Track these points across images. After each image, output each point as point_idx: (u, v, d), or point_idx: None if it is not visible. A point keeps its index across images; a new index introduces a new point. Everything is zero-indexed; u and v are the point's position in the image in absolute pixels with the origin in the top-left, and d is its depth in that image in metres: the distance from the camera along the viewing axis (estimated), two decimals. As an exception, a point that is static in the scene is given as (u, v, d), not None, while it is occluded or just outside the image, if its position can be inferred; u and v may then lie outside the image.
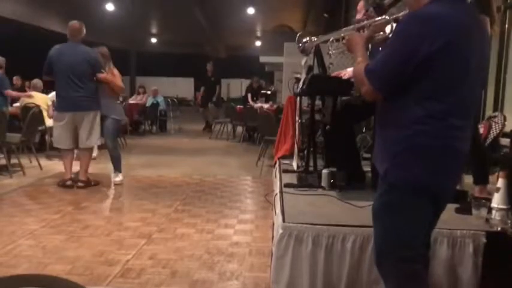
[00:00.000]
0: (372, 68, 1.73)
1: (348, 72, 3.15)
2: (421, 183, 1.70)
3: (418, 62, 1.61)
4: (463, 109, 1.70)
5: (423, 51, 1.59)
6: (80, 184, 5.50)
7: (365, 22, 2.17)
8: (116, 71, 5.69)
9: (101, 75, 5.44)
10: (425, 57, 1.60)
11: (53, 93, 7.75)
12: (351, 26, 2.36)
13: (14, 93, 7.38)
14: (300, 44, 3.10)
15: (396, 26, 1.77)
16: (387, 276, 1.81)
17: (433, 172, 1.70)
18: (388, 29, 2.23)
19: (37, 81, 7.87)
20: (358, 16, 3.13)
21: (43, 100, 7.54)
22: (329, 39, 2.71)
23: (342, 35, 2.56)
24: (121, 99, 10.10)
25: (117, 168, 5.82)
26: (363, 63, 1.80)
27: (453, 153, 1.71)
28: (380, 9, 2.19)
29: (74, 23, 5.60)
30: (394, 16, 2.21)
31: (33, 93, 7.70)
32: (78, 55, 5.41)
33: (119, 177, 5.81)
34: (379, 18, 2.22)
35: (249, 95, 12.35)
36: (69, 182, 5.51)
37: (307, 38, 3.01)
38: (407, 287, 1.75)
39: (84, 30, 5.57)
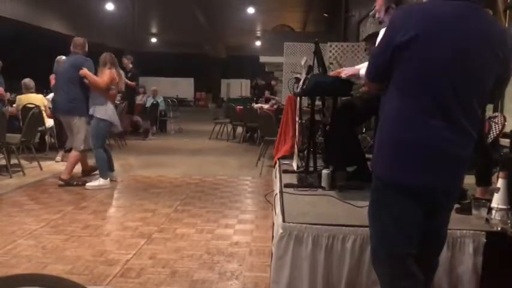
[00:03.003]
0: (368, 64, 1.90)
1: (346, 71, 3.14)
2: (400, 179, 1.71)
3: (392, 51, 1.68)
4: (442, 109, 1.65)
5: (396, 40, 1.65)
6: (59, 182, 5.61)
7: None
8: (107, 74, 5.55)
9: (81, 71, 5.50)
10: (397, 47, 1.65)
11: (51, 95, 7.77)
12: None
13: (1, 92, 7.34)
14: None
15: (386, 26, 1.89)
16: (379, 274, 1.82)
17: (413, 168, 1.68)
18: None
19: (29, 81, 7.66)
20: (378, 15, 3.09)
21: (39, 100, 7.51)
22: None
23: None
24: (119, 99, 10.12)
25: (100, 172, 5.64)
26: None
27: (438, 152, 1.67)
28: None
29: (77, 38, 5.92)
30: None
31: (31, 95, 7.59)
32: (68, 62, 5.81)
33: (93, 182, 5.57)
34: None
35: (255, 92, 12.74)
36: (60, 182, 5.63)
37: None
38: (400, 286, 1.75)
39: (86, 45, 5.82)
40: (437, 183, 1.73)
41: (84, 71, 5.49)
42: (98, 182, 5.58)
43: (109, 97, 5.61)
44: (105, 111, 5.53)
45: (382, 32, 2.19)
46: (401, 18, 1.71)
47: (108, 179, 5.68)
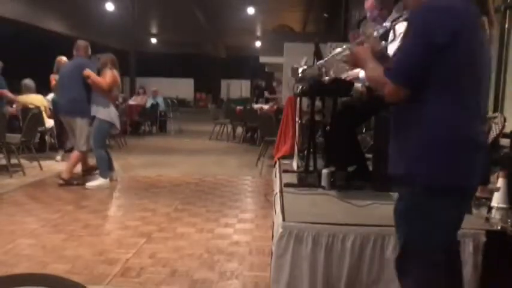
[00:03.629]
0: (394, 67, 1.71)
1: (351, 74, 3.14)
2: (451, 180, 1.67)
3: (435, 53, 1.62)
4: (479, 108, 1.70)
5: (436, 41, 1.62)
6: (59, 181, 5.62)
7: (361, 38, 2.12)
8: (109, 75, 5.56)
9: (85, 71, 5.52)
10: (437, 48, 1.62)
11: (51, 95, 7.78)
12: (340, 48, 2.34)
13: (9, 94, 7.34)
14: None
15: (411, 20, 1.73)
16: (409, 277, 1.77)
17: (461, 168, 1.67)
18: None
19: (29, 82, 7.69)
20: (369, 14, 3.12)
21: (39, 101, 7.52)
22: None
23: (339, 57, 2.41)
24: (120, 100, 10.10)
25: (101, 172, 5.65)
26: (378, 68, 1.77)
27: (477, 147, 1.69)
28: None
29: (80, 41, 5.94)
30: (390, 22, 2.24)
31: (30, 96, 7.61)
32: (71, 64, 5.85)
33: (94, 182, 5.58)
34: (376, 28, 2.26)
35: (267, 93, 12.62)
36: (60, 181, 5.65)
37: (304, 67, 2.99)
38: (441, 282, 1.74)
39: (89, 48, 5.86)
40: (477, 179, 1.77)
41: (88, 72, 5.51)
42: (98, 181, 5.58)
43: (111, 98, 5.63)
44: (107, 112, 5.55)
45: (379, 30, 2.17)
46: (438, 18, 1.65)
47: (108, 179, 5.68)
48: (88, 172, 6.03)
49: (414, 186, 1.69)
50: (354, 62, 2.00)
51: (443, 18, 1.64)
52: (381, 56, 1.91)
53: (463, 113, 1.66)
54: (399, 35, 2.38)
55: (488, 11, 1.74)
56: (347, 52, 2.18)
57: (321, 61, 2.62)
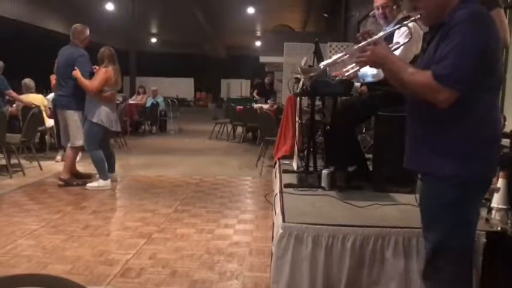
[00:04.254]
0: (448, 73, 1.66)
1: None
2: (487, 176, 1.80)
3: (487, 58, 1.69)
4: (499, 101, 1.87)
5: (492, 48, 1.70)
6: (59, 182, 5.58)
7: (376, 37, 1.91)
8: (100, 75, 5.39)
9: (74, 72, 5.43)
10: (492, 53, 1.70)
11: (51, 95, 7.78)
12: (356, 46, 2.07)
13: (14, 94, 7.35)
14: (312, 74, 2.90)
15: (459, 26, 1.68)
16: (438, 277, 1.82)
17: (494, 163, 1.82)
18: (400, 38, 2.24)
19: (29, 81, 7.70)
20: (377, 12, 3.06)
21: (39, 101, 7.53)
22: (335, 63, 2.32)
23: (347, 56, 2.13)
24: (120, 99, 10.08)
25: (99, 174, 5.57)
26: (419, 71, 1.75)
27: (500, 143, 1.85)
28: None
29: (76, 25, 5.74)
30: (408, 21, 2.05)
31: (30, 95, 7.62)
32: (64, 56, 5.63)
33: (94, 183, 5.52)
34: (393, 28, 2.24)
35: (255, 92, 12.14)
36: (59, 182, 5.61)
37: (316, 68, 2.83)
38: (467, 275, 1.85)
39: (86, 34, 5.67)
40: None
41: (76, 73, 5.39)
42: (97, 183, 5.54)
43: (102, 99, 5.40)
44: (97, 114, 5.37)
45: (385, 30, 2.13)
46: (487, 26, 1.71)
47: (109, 180, 5.60)
48: (77, 177, 5.77)
49: (452, 182, 1.74)
50: (374, 63, 1.88)
51: (493, 28, 1.73)
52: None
53: (497, 111, 1.81)
54: (419, 37, 2.38)
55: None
56: (353, 50, 1.99)
57: (327, 62, 2.39)
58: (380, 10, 3.04)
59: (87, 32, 5.71)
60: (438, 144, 1.78)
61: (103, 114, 5.41)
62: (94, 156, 5.52)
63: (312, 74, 2.75)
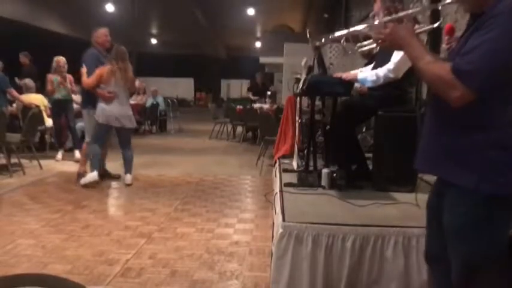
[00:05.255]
0: (469, 69, 1.47)
1: (350, 75, 3.13)
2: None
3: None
4: None
5: None
6: (79, 180, 5.69)
7: (400, 14, 1.70)
8: (96, 72, 5.45)
9: (81, 69, 5.64)
10: None
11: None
12: (371, 22, 1.92)
13: (15, 94, 7.35)
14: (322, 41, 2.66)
15: (497, 18, 1.46)
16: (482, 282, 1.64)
17: None
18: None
19: (29, 81, 7.72)
20: (376, 7, 2.97)
21: (39, 100, 7.52)
22: (345, 36, 2.11)
23: (367, 29, 1.91)
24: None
25: (90, 165, 5.60)
26: (438, 61, 1.56)
27: None
28: None
29: (100, 28, 5.96)
30: (445, 2, 1.71)
31: (31, 95, 7.61)
32: (85, 54, 5.81)
33: (85, 178, 5.56)
34: (422, 8, 1.94)
35: (250, 94, 12.04)
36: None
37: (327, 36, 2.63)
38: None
39: (101, 34, 5.86)
40: None
41: (81, 70, 5.59)
42: (90, 178, 5.54)
43: (100, 95, 5.48)
44: (97, 111, 5.53)
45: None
46: None
47: (95, 172, 5.53)
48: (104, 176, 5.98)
49: (481, 196, 1.54)
50: (393, 42, 1.69)
51: None
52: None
53: None
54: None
55: None
56: (375, 24, 1.78)
57: (341, 32, 2.14)
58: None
59: (103, 32, 5.86)
60: (459, 150, 1.58)
61: (100, 111, 5.53)
62: (91, 149, 5.63)
63: (318, 44, 2.63)
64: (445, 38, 2.06)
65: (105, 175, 5.95)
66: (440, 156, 1.64)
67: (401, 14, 1.70)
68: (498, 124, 1.53)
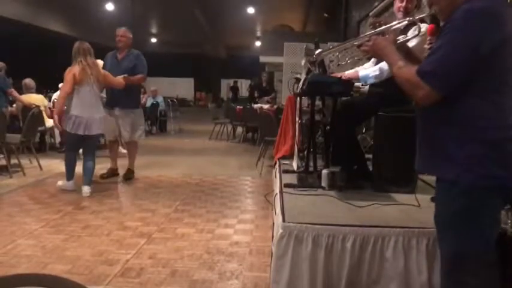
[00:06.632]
0: (430, 69, 1.63)
1: (347, 74, 3.13)
2: (498, 181, 1.61)
3: (481, 58, 1.57)
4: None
5: (486, 46, 1.56)
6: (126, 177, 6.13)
7: (384, 27, 2.00)
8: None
9: None
10: (488, 52, 1.57)
11: (56, 94, 7.79)
12: (366, 34, 2.13)
13: (16, 94, 7.36)
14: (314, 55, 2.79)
15: (452, 22, 1.62)
16: (464, 281, 1.70)
17: (507, 167, 1.61)
18: (410, 32, 2.16)
19: (29, 81, 7.73)
20: (399, 4, 2.97)
21: (40, 100, 7.52)
22: (343, 49, 2.43)
23: (356, 43, 2.23)
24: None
25: (66, 173, 5.39)
26: (407, 66, 1.72)
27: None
28: None
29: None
30: (418, 17, 2.12)
31: (31, 95, 7.62)
32: None
33: (62, 184, 5.38)
34: (400, 21, 2.13)
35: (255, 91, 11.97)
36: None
37: (319, 50, 2.78)
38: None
39: (117, 33, 6.03)
40: None
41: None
42: (62, 182, 5.40)
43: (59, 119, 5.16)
44: (66, 119, 5.15)
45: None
46: (485, 25, 1.57)
47: (71, 182, 5.30)
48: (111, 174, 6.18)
49: (463, 188, 1.63)
50: (374, 53, 1.92)
51: (491, 26, 1.58)
52: (401, 49, 1.87)
53: (504, 115, 1.63)
54: (423, 34, 2.30)
55: None
56: (365, 39, 2.04)
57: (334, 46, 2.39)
58: (404, 3, 2.95)
59: (117, 31, 6.02)
60: (441, 145, 1.69)
61: (67, 118, 5.13)
62: (66, 156, 5.38)
63: (312, 59, 2.74)
64: (427, 38, 2.24)
65: (114, 174, 6.16)
66: (427, 154, 1.76)
67: (382, 27, 1.94)
68: (474, 119, 1.62)
